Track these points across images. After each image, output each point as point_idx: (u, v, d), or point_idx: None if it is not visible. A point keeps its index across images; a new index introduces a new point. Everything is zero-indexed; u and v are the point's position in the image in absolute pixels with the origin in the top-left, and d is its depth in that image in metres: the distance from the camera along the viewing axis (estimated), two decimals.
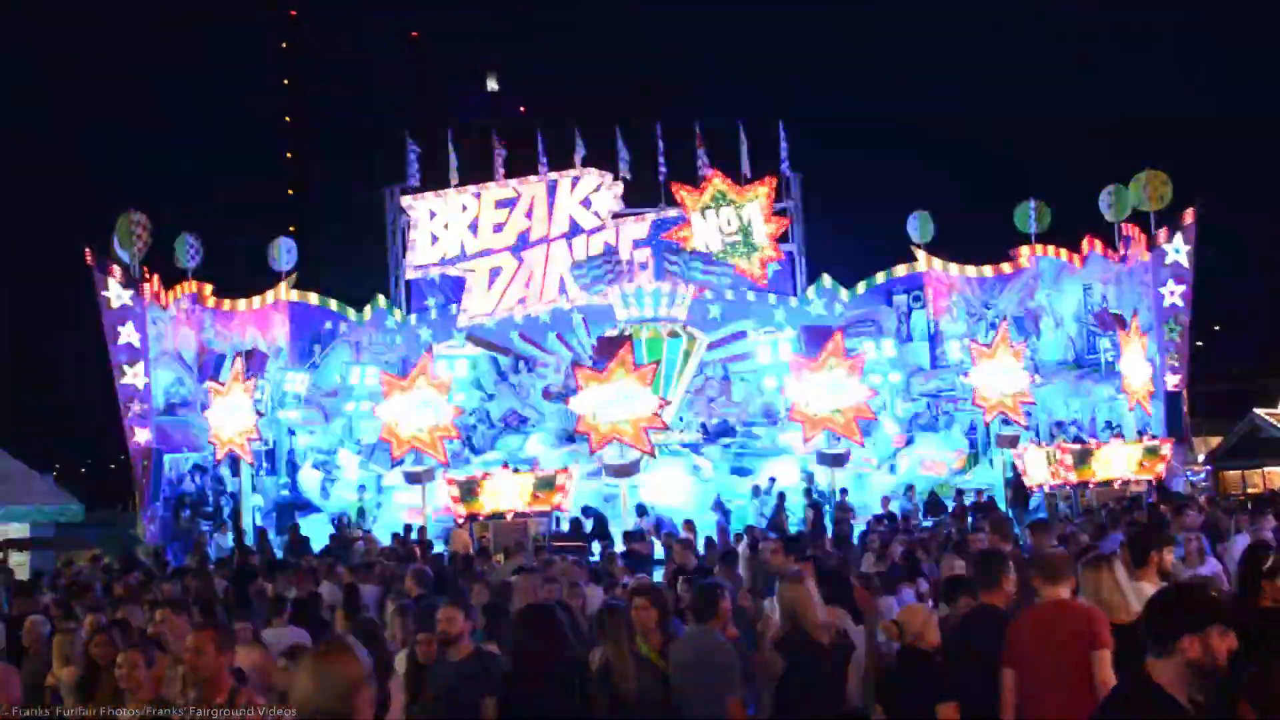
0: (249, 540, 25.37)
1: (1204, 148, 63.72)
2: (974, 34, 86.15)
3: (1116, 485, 24.88)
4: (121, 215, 28.49)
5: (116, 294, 27.57)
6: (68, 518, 27.39)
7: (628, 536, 19.75)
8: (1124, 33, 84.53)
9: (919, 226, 33.23)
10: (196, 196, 68.23)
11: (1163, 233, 29.53)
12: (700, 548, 17.35)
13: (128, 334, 27.70)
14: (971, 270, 33.43)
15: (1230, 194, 52.38)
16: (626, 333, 30.20)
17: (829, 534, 21.08)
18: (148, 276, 28.70)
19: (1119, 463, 25.38)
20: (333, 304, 33.69)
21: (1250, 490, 30.90)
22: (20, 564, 24.41)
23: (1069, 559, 8.00)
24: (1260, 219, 61.71)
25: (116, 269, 27.81)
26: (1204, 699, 4.63)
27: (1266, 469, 34.23)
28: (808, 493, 27.50)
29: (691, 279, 32.35)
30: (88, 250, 27.75)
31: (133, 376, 27.66)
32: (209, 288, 30.88)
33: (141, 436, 27.70)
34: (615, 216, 33.93)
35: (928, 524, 22.30)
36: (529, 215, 33.96)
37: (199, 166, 79.07)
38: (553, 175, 34.33)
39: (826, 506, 25.83)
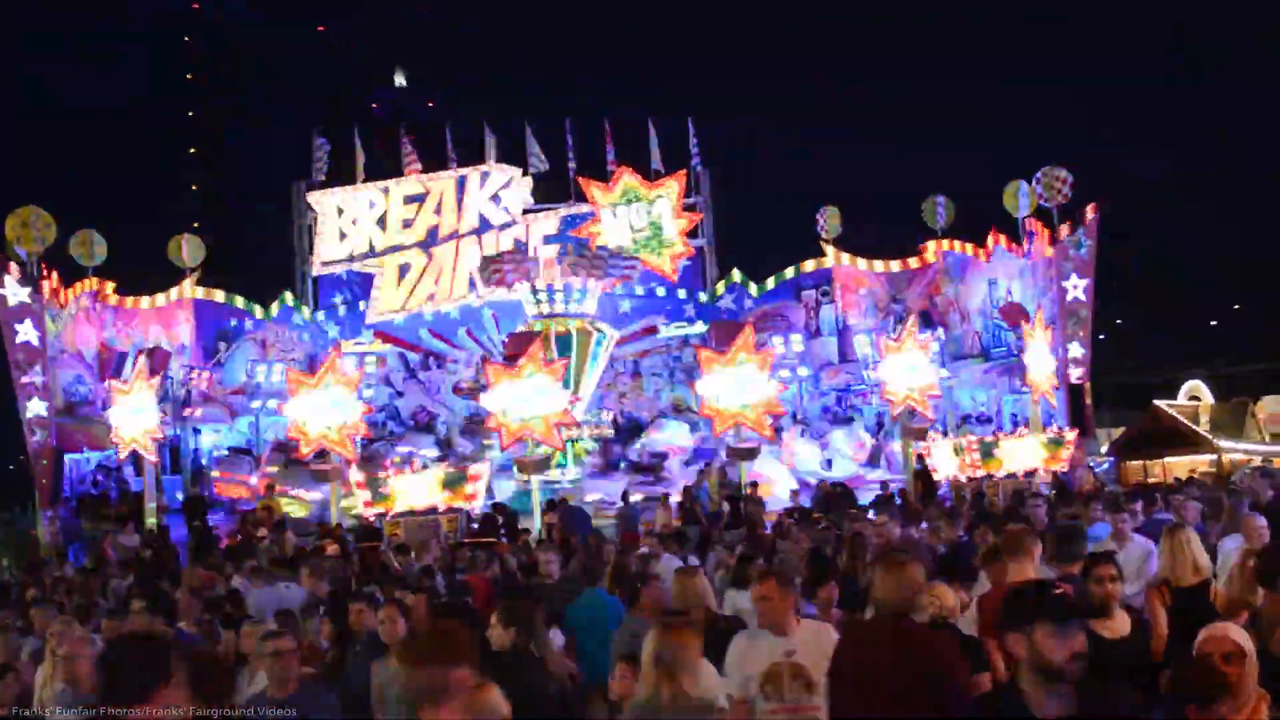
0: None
1: (1106, 145, 65.00)
2: (883, 29, 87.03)
3: (1021, 477, 25.21)
4: (18, 210, 27.81)
5: (13, 292, 26.87)
6: None
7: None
8: (1033, 29, 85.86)
9: (827, 222, 33.49)
10: (98, 192, 67.07)
11: (1065, 228, 29.98)
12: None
13: (25, 332, 27.02)
14: (879, 265, 33.74)
15: (1132, 190, 53.44)
16: (537, 328, 30.07)
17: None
18: (46, 274, 28.07)
19: (1024, 455, 25.69)
20: (238, 301, 33.25)
21: (1150, 480, 31.45)
22: None
23: (1029, 533, 8.19)
24: (1161, 214, 63.04)
25: (13, 266, 27.15)
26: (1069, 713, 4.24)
27: (1167, 459, 34.83)
28: (722, 486, 27.56)
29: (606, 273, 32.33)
30: None
31: (31, 375, 27.05)
32: (111, 285, 30.32)
33: (41, 436, 27.10)
34: (525, 212, 33.83)
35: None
36: (438, 211, 33.75)
37: (100, 161, 77.61)
38: (462, 171, 34.15)
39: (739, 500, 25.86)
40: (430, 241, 33.59)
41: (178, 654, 3.85)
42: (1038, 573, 7.72)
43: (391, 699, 7.98)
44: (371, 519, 23.72)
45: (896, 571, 6.05)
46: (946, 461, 26.28)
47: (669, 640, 5.93)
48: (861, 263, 33.77)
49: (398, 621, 8.38)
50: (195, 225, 57.07)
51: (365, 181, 34.29)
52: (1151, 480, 30.45)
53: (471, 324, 33.73)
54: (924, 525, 14.90)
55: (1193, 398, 37.39)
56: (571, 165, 34.70)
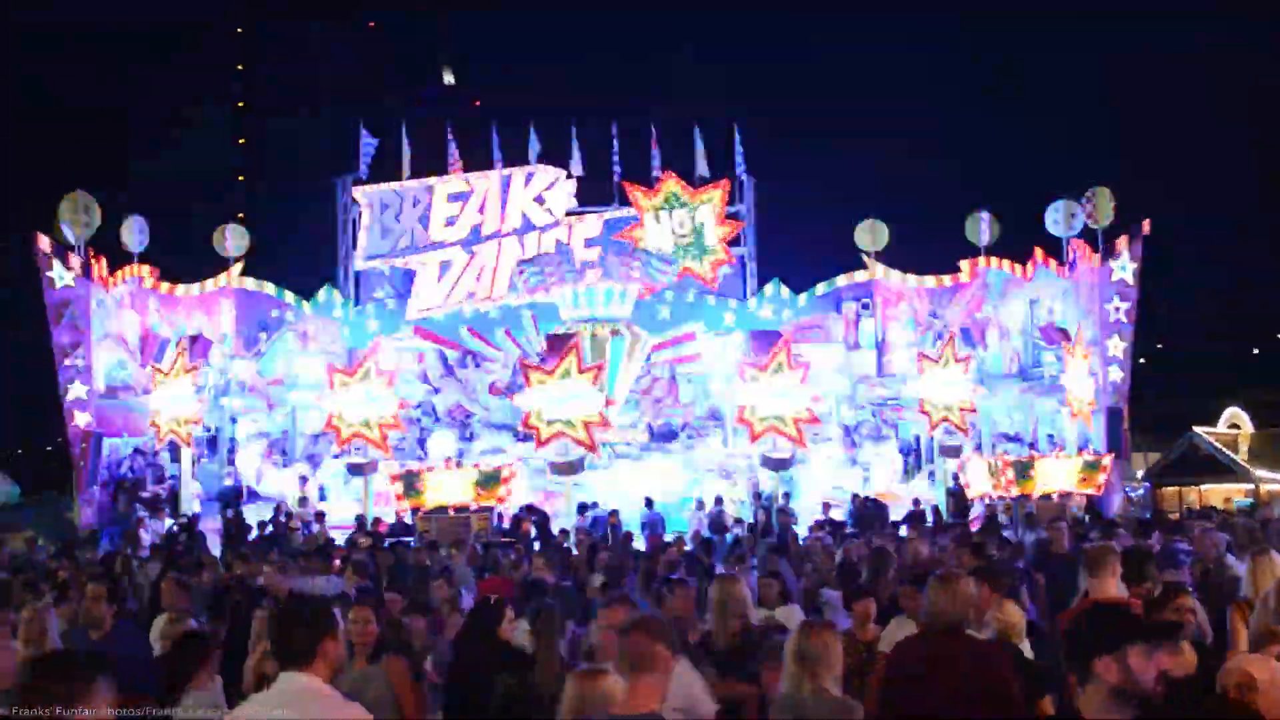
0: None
1: (1152, 165, 64.56)
2: (929, 44, 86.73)
3: (1056, 499, 25.08)
4: (67, 195, 28.07)
5: (59, 275, 27.13)
6: (2, 499, 27.03)
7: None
8: (1075, 46, 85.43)
9: (870, 235, 33.35)
10: (145, 179, 67.67)
11: (1112, 248, 29.74)
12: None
13: (70, 315, 27.28)
14: (922, 280, 33.57)
15: (1177, 213, 53.02)
16: (574, 330, 30.12)
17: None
18: (93, 258, 28.29)
19: (1059, 476, 25.56)
20: (286, 295, 33.35)
21: (1186, 507, 31.21)
22: None
23: (1112, 551, 8.07)
24: (1206, 239, 62.55)
25: (72, 257, 27.33)
26: None
27: (1203, 487, 34.57)
28: (756, 496, 27.54)
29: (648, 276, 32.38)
30: (38, 233, 27.23)
31: (74, 359, 27.27)
32: (156, 271, 30.53)
33: (81, 419, 27.30)
34: (568, 214, 33.87)
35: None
36: (481, 210, 33.82)
37: (148, 149, 78.28)
38: (506, 170, 34.23)
39: (772, 510, 25.86)
40: (473, 240, 33.66)
41: None
42: (1119, 591, 7.64)
43: (367, 702, 7.91)
44: (403, 514, 23.89)
45: (950, 586, 6.15)
46: (981, 480, 26.19)
47: (811, 639, 6.13)
48: (901, 276, 33.62)
49: (370, 624, 8.19)
50: (240, 215, 57.38)
51: (410, 178, 34.41)
52: (1188, 507, 30.21)
53: (511, 324, 33.75)
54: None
55: (1233, 425, 37.03)
56: (616, 169, 34.72)
